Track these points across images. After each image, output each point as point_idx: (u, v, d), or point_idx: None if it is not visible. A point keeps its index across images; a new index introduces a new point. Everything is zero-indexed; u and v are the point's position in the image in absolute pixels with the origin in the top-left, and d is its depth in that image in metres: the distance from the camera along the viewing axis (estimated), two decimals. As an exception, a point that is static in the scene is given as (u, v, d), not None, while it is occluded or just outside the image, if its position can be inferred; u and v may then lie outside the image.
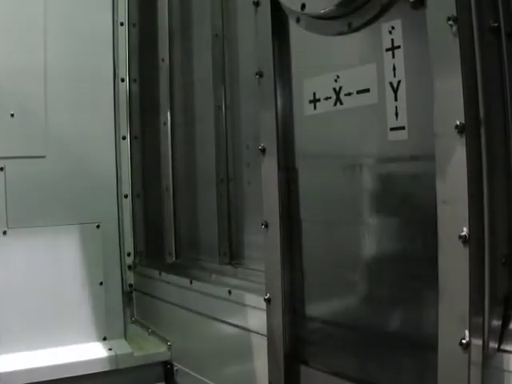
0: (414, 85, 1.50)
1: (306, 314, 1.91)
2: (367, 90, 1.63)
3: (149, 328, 3.08)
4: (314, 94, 1.80)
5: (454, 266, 1.35)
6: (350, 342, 1.77)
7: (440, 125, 1.37)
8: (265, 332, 2.00)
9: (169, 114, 3.01)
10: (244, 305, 2.28)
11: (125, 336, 2.97)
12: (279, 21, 1.90)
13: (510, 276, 1.41)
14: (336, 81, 1.72)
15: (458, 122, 1.31)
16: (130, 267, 3.22)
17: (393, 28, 1.53)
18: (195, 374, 2.66)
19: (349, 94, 1.69)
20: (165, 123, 3.02)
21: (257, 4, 1.96)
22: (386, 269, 1.64)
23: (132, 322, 3.20)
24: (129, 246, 3.21)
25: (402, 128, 1.53)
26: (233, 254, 2.61)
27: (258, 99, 2.01)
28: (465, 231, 1.32)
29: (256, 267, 2.33)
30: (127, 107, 3.21)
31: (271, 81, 1.91)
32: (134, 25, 3.24)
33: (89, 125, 2.89)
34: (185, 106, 2.97)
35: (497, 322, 1.39)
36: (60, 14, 2.82)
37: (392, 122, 1.55)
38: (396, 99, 1.54)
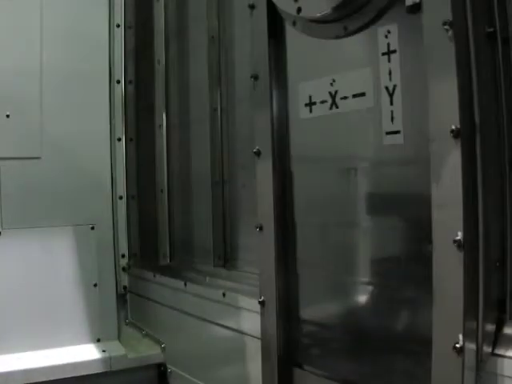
0: (409, 89, 1.50)
1: (300, 316, 1.92)
2: (363, 94, 1.63)
3: (143, 330, 3.07)
4: (310, 97, 1.80)
5: (448, 269, 1.35)
6: (344, 345, 1.77)
7: (435, 129, 1.37)
8: (258, 335, 2.00)
9: (164, 116, 3.02)
10: (238, 307, 2.28)
11: (119, 338, 2.96)
12: (275, 24, 1.89)
13: (503, 280, 1.40)
14: (332, 84, 1.73)
15: (453, 127, 1.32)
16: (124, 269, 3.22)
17: (389, 32, 1.53)
18: (189, 377, 2.66)
19: (344, 98, 1.69)
20: (160, 125, 3.03)
21: (252, 7, 1.95)
22: (381, 272, 1.65)
23: (126, 324, 3.19)
24: (123, 248, 3.21)
25: (398, 132, 1.54)
26: (227, 257, 2.62)
27: (253, 102, 2.01)
28: (459, 235, 1.32)
29: (250, 270, 2.34)
30: (122, 109, 3.21)
31: (267, 84, 1.91)
32: (130, 27, 3.25)
33: (84, 126, 2.89)
34: (180, 108, 2.98)
35: (491, 326, 1.39)
36: (56, 16, 2.82)
37: (388, 125, 1.56)
38: (392, 103, 1.54)
